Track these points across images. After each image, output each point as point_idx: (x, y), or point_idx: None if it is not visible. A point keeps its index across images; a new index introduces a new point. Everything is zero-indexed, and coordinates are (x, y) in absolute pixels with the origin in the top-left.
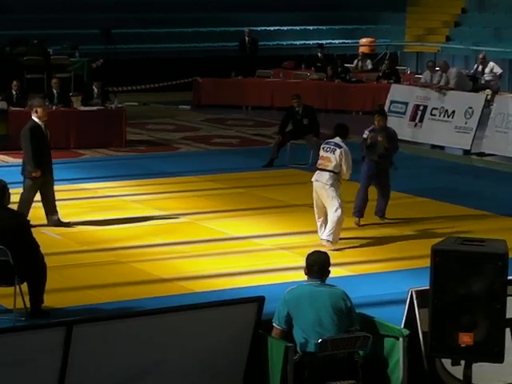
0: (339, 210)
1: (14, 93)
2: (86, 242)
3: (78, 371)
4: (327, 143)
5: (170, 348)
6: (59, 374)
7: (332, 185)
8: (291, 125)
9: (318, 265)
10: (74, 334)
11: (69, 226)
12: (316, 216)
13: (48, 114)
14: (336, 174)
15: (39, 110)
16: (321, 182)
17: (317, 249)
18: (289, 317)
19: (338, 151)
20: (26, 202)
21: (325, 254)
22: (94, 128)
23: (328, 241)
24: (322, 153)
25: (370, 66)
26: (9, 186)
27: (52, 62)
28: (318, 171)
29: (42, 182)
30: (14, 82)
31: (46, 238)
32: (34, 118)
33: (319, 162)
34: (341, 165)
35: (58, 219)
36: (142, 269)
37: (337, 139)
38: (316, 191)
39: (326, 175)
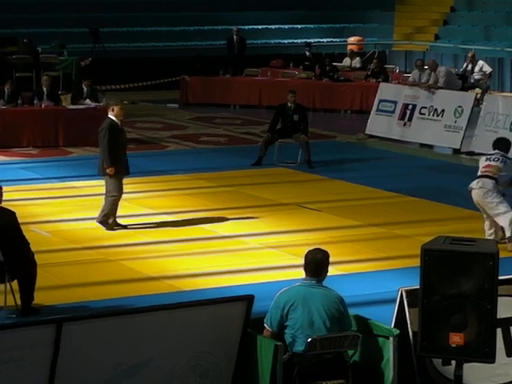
0: (508, 213)
1: (6, 91)
2: (75, 239)
3: (67, 369)
4: (491, 155)
5: (159, 346)
6: (49, 371)
7: (498, 191)
8: (280, 123)
9: (313, 264)
10: (63, 332)
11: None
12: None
13: (36, 112)
14: (497, 183)
15: (116, 108)
16: (483, 189)
17: (306, 248)
18: (281, 320)
19: (509, 162)
20: (114, 202)
21: (323, 253)
22: (83, 126)
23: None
24: (486, 162)
25: (358, 65)
26: (0, 183)
27: (41, 60)
28: (480, 178)
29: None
30: (9, 81)
31: (36, 235)
32: (111, 116)
33: (484, 169)
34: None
35: (114, 221)
36: (131, 267)
37: (500, 153)
38: (476, 199)
39: (491, 182)
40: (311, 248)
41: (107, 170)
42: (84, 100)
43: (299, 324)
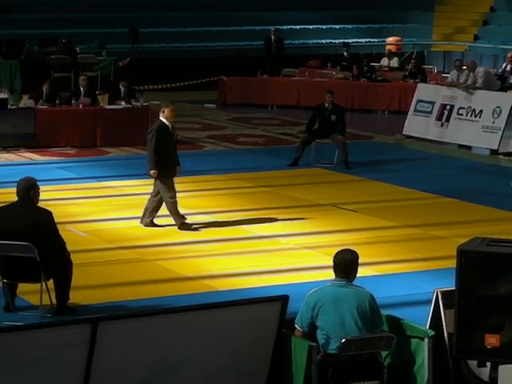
0: None
1: (45, 91)
2: (112, 239)
3: (102, 368)
4: None
5: (194, 346)
6: (84, 370)
7: None
8: (318, 123)
9: (343, 265)
10: (99, 331)
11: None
12: None
13: (73, 112)
14: None
15: (166, 110)
16: None
17: (341, 248)
18: (312, 320)
19: None
20: (173, 203)
21: (352, 254)
22: (120, 126)
23: None
24: None
25: (396, 65)
26: (38, 183)
27: (79, 60)
28: None
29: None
30: (48, 81)
31: (73, 235)
32: (162, 118)
33: None
34: None
35: (151, 221)
36: (167, 267)
37: None
38: None
39: None
40: (340, 249)
41: (150, 172)
42: (121, 100)
43: (330, 324)
